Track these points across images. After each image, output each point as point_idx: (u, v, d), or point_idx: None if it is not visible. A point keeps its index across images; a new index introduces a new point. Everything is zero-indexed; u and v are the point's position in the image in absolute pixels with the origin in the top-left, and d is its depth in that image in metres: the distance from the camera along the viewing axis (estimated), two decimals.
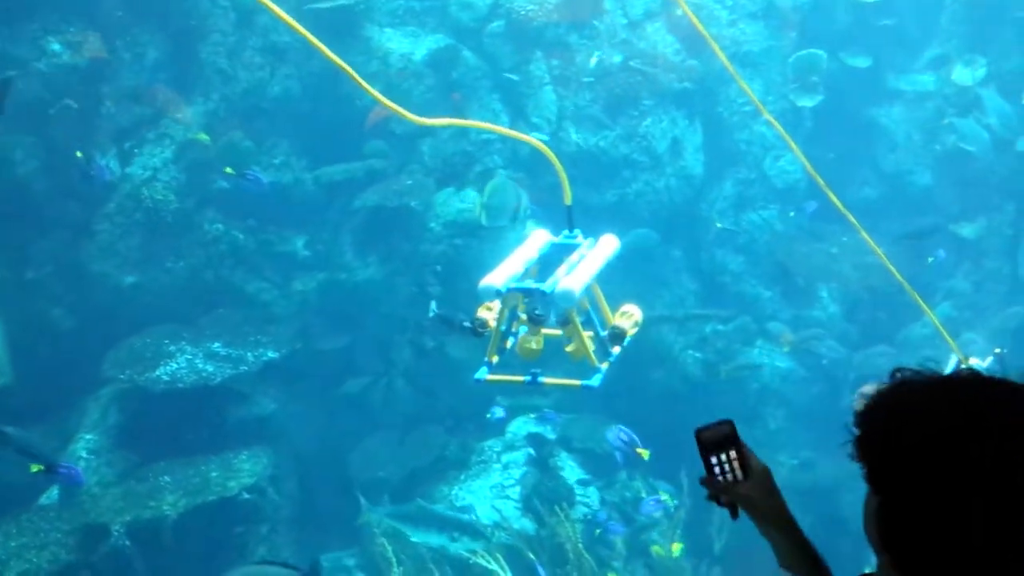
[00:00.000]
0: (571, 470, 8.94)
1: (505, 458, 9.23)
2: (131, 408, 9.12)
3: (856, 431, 1.92)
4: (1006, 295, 10.22)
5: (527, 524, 8.45)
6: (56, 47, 9.66)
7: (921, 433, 1.82)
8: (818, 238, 10.19)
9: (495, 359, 4.67)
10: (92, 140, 9.74)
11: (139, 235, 9.80)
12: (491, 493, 8.88)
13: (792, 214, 10.27)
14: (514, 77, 10.25)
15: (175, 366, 9.23)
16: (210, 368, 9.26)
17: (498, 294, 4.51)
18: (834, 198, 6.70)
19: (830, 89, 10.43)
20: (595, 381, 4.59)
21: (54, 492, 8.59)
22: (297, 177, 10.14)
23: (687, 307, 10.01)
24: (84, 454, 8.75)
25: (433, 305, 8.01)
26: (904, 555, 1.86)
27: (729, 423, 2.49)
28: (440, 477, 9.20)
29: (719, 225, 10.11)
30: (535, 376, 4.62)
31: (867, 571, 2.05)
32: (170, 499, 8.41)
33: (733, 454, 2.52)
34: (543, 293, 4.45)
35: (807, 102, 10.33)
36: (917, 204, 10.54)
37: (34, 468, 7.75)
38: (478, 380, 4.69)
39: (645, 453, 7.89)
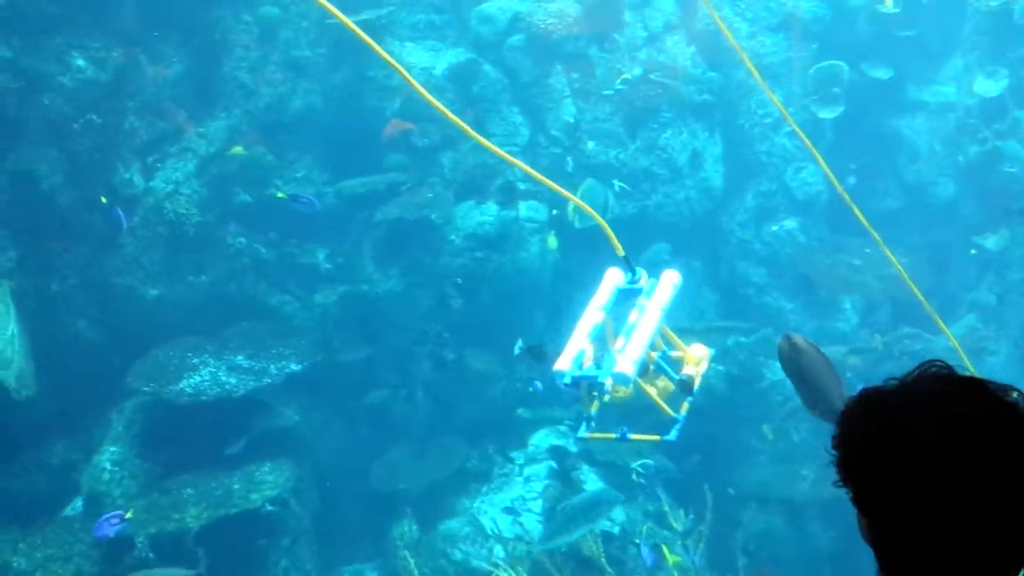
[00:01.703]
0: (593, 483, 8.92)
1: (527, 471, 9.23)
2: (155, 420, 9.17)
3: (835, 454, 1.87)
4: None
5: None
6: (80, 62, 9.77)
7: (908, 448, 1.78)
8: (840, 250, 10.17)
9: (594, 408, 5.03)
10: (116, 154, 9.84)
11: (162, 249, 9.88)
12: (513, 506, 8.86)
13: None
14: (571, 119, 10.27)
15: (199, 379, 9.27)
16: (233, 380, 9.30)
17: (565, 387, 4.91)
18: (857, 211, 6.74)
19: (851, 100, 10.41)
20: (672, 435, 5.05)
21: (79, 503, 8.67)
22: (318, 191, 10.19)
23: (708, 319, 9.99)
24: (108, 466, 8.81)
25: (519, 343, 8.02)
26: (903, 569, 1.85)
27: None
28: (462, 489, 9.20)
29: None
30: (624, 433, 5.13)
31: None
32: (193, 511, 8.45)
33: None
34: (600, 385, 4.83)
35: (828, 114, 10.31)
36: (940, 215, 10.50)
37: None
38: (580, 438, 5.21)
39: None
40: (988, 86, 10.14)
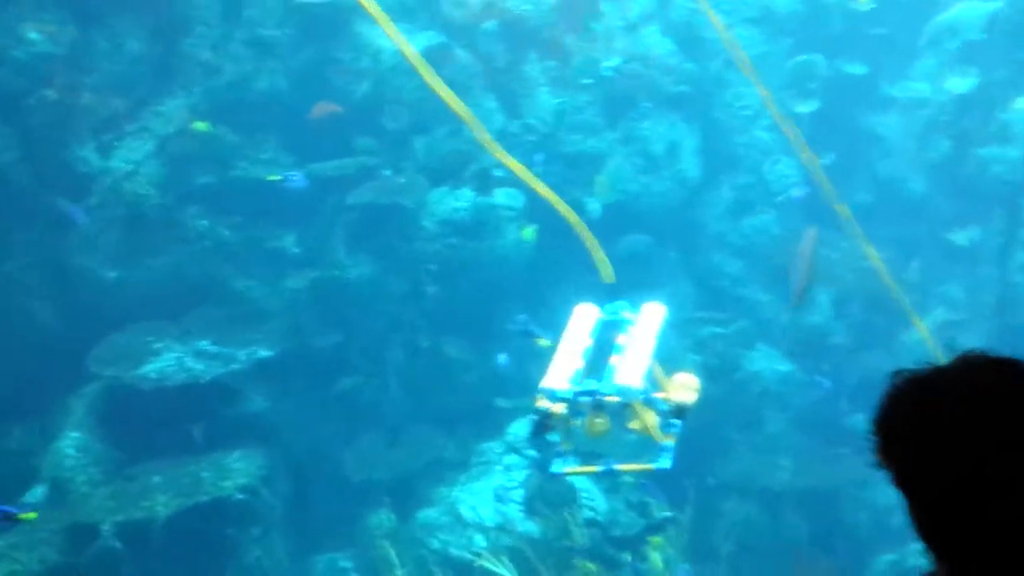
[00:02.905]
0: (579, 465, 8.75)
1: (507, 460, 9.08)
2: (118, 406, 8.84)
3: (877, 438, 1.84)
4: (997, 301, 10.33)
5: (531, 527, 8.31)
6: (33, 35, 9.38)
7: (956, 423, 1.75)
8: (817, 243, 10.21)
9: (566, 446, 4.94)
10: (71, 131, 9.48)
11: (120, 230, 9.54)
12: (493, 495, 8.71)
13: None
14: (547, 107, 10.14)
15: (162, 363, 8.99)
16: (199, 366, 9.03)
17: (565, 401, 4.75)
18: (843, 208, 6.84)
19: (826, 95, 10.48)
20: (665, 462, 4.87)
21: (39, 491, 8.26)
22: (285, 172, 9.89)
23: (684, 310, 9.96)
24: (71, 452, 8.45)
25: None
26: (961, 551, 1.79)
27: None
28: (438, 479, 9.02)
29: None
30: (609, 465, 5.07)
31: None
32: (162, 499, 8.14)
33: None
34: (604, 396, 4.73)
35: (804, 108, 10.36)
36: (910, 210, 10.63)
37: None
38: (556, 473, 5.03)
39: (545, 342, 7.87)
40: (959, 83, 10.31)
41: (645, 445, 5.03)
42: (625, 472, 5.35)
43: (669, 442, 4.93)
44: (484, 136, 5.66)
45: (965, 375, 1.80)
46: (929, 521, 1.80)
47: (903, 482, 1.82)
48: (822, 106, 10.45)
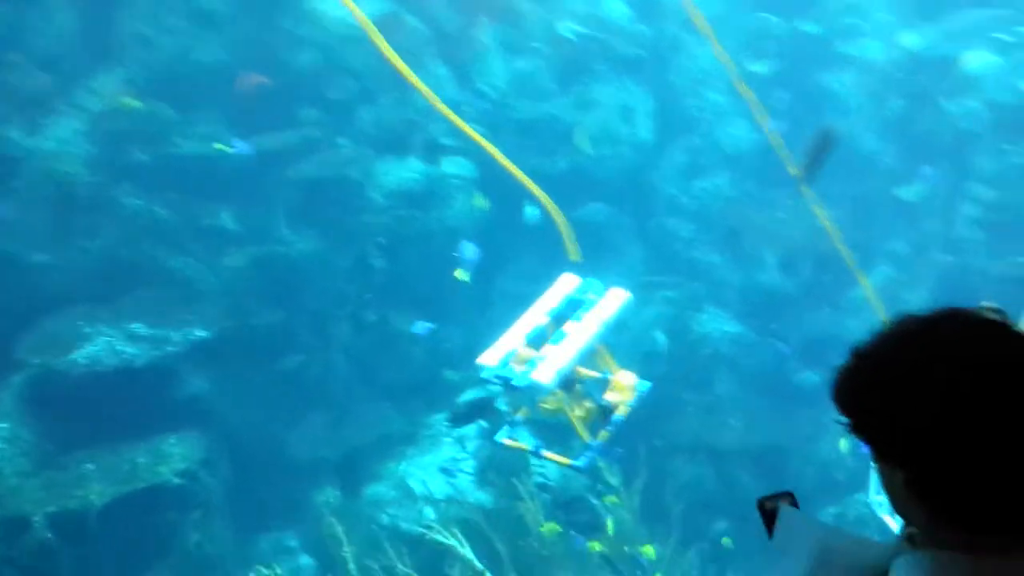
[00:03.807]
0: (526, 440, 8.48)
1: (456, 432, 8.78)
2: (47, 394, 8.41)
3: (848, 415, 1.78)
4: (941, 256, 10.19)
5: (482, 497, 8.03)
6: None
7: (937, 383, 1.69)
8: (768, 204, 10.02)
9: (520, 415, 5.22)
10: None
11: (49, 211, 9.09)
12: (443, 468, 8.42)
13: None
14: (499, 72, 9.84)
15: (93, 349, 8.58)
16: (132, 350, 8.63)
17: (483, 381, 4.93)
18: (794, 169, 6.76)
19: (782, 55, 10.27)
20: (580, 463, 5.08)
21: None
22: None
23: (638, 274, 9.75)
24: None
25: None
26: (957, 508, 1.71)
27: (789, 495, 2.17)
28: (386, 454, 8.70)
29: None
30: (538, 447, 5.31)
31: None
32: (96, 488, 7.76)
33: None
34: (515, 387, 4.78)
35: (760, 68, 10.14)
36: (861, 167, 10.43)
37: None
38: (497, 441, 5.33)
39: (464, 276, 8.24)
40: (912, 39, 10.13)
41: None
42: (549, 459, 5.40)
43: (597, 441, 5.03)
44: (443, 107, 5.62)
45: (899, 334, 1.79)
46: (923, 487, 1.71)
47: (879, 445, 1.76)
48: (778, 66, 10.22)
